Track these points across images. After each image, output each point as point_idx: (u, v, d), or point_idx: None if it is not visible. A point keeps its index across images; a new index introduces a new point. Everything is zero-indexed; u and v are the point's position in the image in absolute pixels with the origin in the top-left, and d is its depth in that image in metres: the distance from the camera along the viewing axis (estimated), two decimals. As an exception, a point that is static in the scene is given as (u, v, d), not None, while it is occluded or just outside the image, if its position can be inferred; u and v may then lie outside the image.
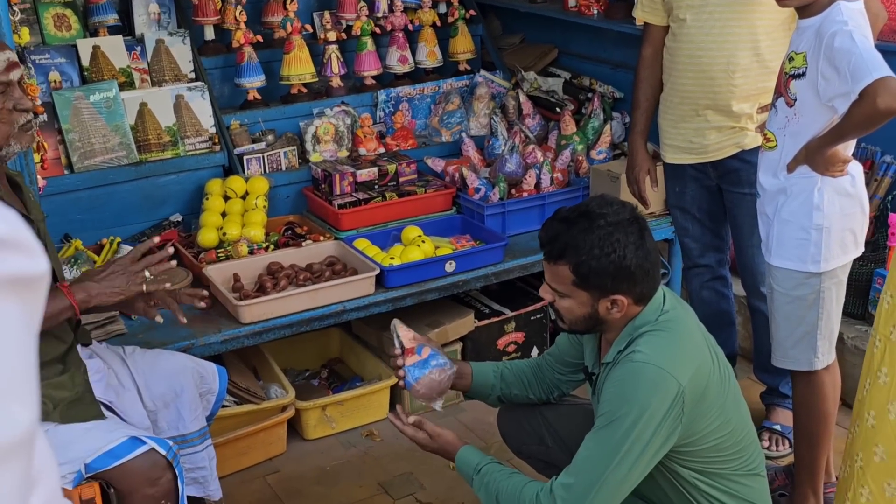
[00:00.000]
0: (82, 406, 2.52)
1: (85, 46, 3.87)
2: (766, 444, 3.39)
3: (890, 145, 3.68)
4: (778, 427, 3.42)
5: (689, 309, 2.41)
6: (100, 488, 2.45)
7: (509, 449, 2.87)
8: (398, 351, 2.63)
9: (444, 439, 2.52)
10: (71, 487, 2.39)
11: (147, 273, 2.50)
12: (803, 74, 2.60)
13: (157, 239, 2.89)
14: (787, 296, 2.79)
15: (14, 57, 2.35)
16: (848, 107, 2.48)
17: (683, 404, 2.17)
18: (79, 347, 2.67)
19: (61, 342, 2.54)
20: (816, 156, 2.62)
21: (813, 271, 2.72)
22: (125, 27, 4.09)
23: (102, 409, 2.58)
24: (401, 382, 2.66)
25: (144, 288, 2.51)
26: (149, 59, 4.01)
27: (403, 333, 2.64)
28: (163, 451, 2.43)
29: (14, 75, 2.32)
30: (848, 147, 2.69)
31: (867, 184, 3.86)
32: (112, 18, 4.00)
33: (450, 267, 3.55)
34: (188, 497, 2.78)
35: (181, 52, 4.05)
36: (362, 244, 3.64)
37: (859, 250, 2.80)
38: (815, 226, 2.68)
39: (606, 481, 2.17)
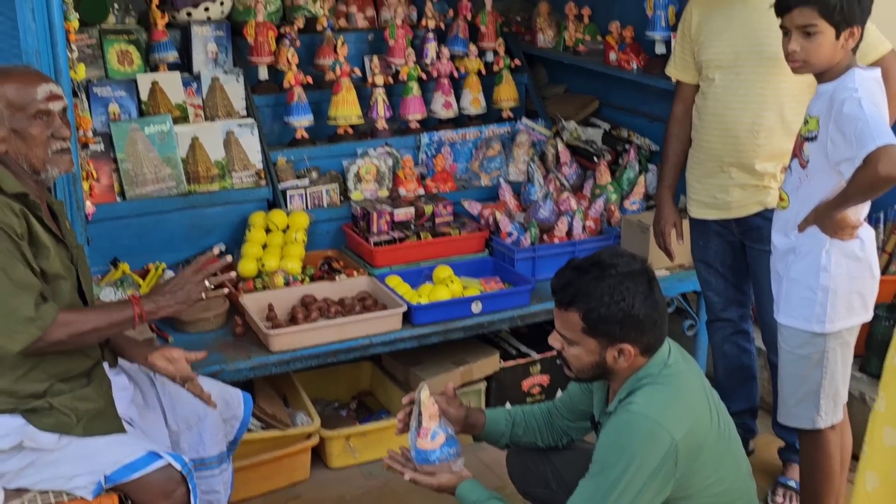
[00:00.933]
0: (104, 420, 2.60)
1: (144, 81, 4.06)
2: (780, 499, 3.42)
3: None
4: (792, 483, 3.42)
5: (693, 364, 2.45)
6: (118, 499, 2.56)
7: (516, 489, 2.94)
8: (414, 423, 2.67)
9: (444, 476, 2.60)
10: (90, 498, 2.51)
11: (207, 283, 2.61)
12: (815, 138, 2.66)
13: (216, 249, 2.99)
14: (793, 354, 2.82)
15: (56, 90, 2.50)
16: (853, 172, 2.54)
17: (677, 459, 2.21)
18: (105, 364, 2.76)
19: (88, 358, 2.64)
20: (825, 219, 2.67)
21: (818, 331, 2.75)
22: (184, 64, 4.27)
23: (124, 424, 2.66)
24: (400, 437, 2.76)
25: (204, 296, 2.62)
26: (203, 96, 4.18)
27: (426, 409, 2.65)
28: (178, 466, 2.53)
29: (54, 106, 2.46)
30: (859, 211, 2.72)
31: (888, 239, 3.90)
32: (172, 56, 4.18)
33: (476, 308, 3.63)
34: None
35: (234, 89, 4.22)
36: (394, 281, 3.74)
37: (868, 314, 2.82)
38: (822, 287, 2.72)
39: None
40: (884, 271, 3.78)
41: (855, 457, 3.24)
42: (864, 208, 2.75)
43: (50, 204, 2.64)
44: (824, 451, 2.89)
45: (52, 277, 2.50)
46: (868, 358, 3.69)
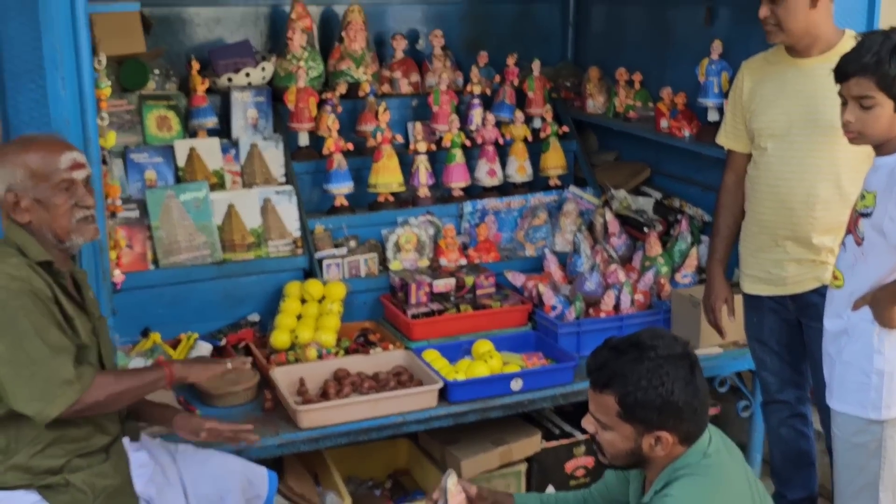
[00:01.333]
0: (121, 498, 2.56)
1: (182, 147, 4.05)
2: None
3: None
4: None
5: (736, 453, 2.32)
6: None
7: None
8: None
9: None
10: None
11: (229, 364, 2.73)
12: (871, 214, 2.53)
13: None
14: (848, 442, 2.66)
15: (80, 158, 2.48)
16: None
17: None
18: (126, 440, 2.70)
19: (106, 434, 2.59)
20: (883, 309, 2.53)
21: (874, 418, 2.59)
22: (223, 130, 4.26)
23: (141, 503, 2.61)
24: None
25: (230, 365, 2.74)
26: (242, 162, 4.16)
27: (452, 497, 2.56)
28: None
29: (77, 175, 2.45)
30: None
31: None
32: (211, 122, 4.17)
33: (516, 385, 3.49)
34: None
35: (274, 156, 4.19)
36: (431, 356, 3.62)
37: None
38: (877, 370, 2.57)
39: None
40: None
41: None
42: None
43: (73, 273, 2.62)
44: None
45: (78, 345, 2.49)
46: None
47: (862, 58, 2.46)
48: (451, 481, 2.51)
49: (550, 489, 3.74)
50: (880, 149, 2.55)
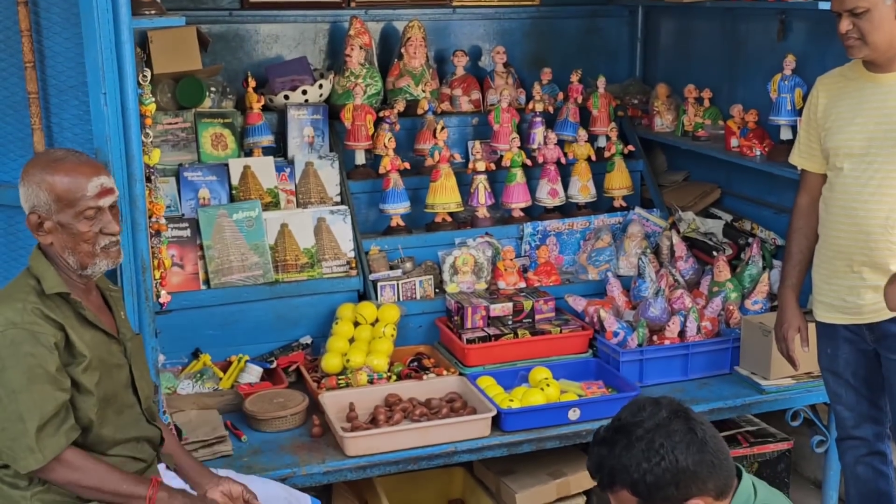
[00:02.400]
0: None
1: (236, 166, 4.06)
2: None
3: None
4: None
5: (782, 498, 2.20)
6: None
7: None
8: None
9: None
10: None
11: None
12: None
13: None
14: None
15: (108, 183, 2.45)
16: None
17: None
18: (161, 466, 2.69)
19: (141, 461, 2.58)
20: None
21: None
22: (278, 148, 4.26)
23: None
24: None
25: None
26: (296, 181, 4.15)
27: None
28: None
29: (104, 202, 2.42)
30: None
31: None
32: (267, 140, 4.18)
33: (573, 414, 3.40)
34: None
35: (329, 175, 4.18)
36: (486, 382, 3.56)
37: None
38: None
39: None
40: None
41: None
42: None
43: (104, 292, 2.60)
44: None
45: (89, 389, 2.44)
46: None
47: None
48: None
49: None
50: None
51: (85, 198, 2.38)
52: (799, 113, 3.72)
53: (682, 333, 3.78)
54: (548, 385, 3.51)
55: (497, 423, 3.34)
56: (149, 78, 2.95)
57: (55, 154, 2.45)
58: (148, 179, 2.95)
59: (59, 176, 2.37)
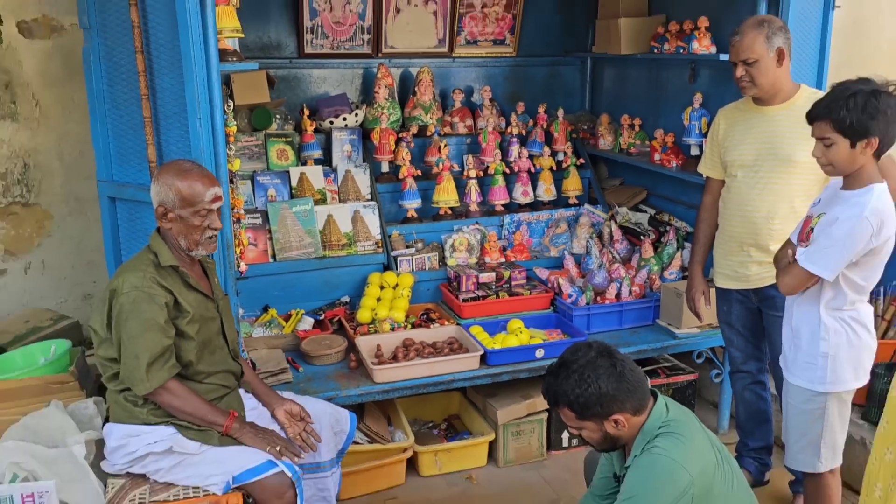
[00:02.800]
0: None
1: (295, 172, 4.05)
2: (791, 525, 3.05)
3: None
4: (801, 512, 3.07)
5: (691, 416, 2.21)
6: (242, 498, 2.45)
7: None
8: None
9: None
10: (220, 493, 2.42)
11: (278, 447, 2.50)
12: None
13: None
14: (797, 408, 2.54)
15: (220, 192, 2.45)
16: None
17: (693, 496, 2.00)
18: (241, 391, 2.69)
19: (226, 388, 2.59)
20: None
21: (819, 391, 2.47)
22: (325, 160, 4.23)
23: None
24: None
25: (269, 452, 2.48)
26: (338, 184, 4.13)
27: None
28: (290, 474, 2.43)
29: (215, 206, 2.43)
30: (866, 281, 2.42)
31: (887, 308, 3.51)
32: (317, 153, 4.15)
33: (539, 353, 3.41)
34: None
35: (362, 179, 4.16)
36: (476, 330, 3.56)
37: (864, 380, 2.50)
38: (822, 353, 2.44)
39: None
40: (883, 336, 3.46)
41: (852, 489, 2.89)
42: (872, 284, 2.44)
43: (204, 265, 2.60)
44: (825, 492, 2.61)
45: (191, 335, 2.45)
46: (869, 408, 3.32)
47: (821, 106, 2.32)
48: None
49: (566, 433, 3.64)
50: (846, 183, 2.37)
51: (203, 202, 2.40)
52: (704, 135, 3.73)
53: (618, 295, 3.77)
54: (521, 332, 3.51)
55: (484, 359, 3.36)
56: (231, 107, 2.93)
57: (184, 165, 2.44)
58: (231, 182, 2.93)
59: (188, 182, 2.39)
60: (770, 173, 2.92)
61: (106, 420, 2.59)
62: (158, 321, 2.34)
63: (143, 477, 2.49)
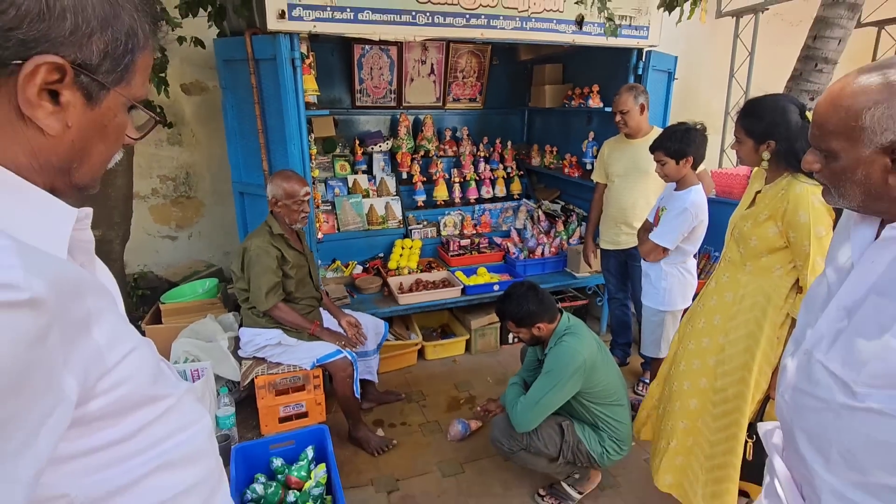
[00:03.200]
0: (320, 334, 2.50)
1: (351, 179, 3.94)
2: (640, 388, 3.07)
3: (717, 246, 3.31)
4: (646, 380, 3.09)
5: (582, 324, 2.16)
6: (322, 371, 2.45)
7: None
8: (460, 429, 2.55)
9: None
10: (309, 369, 2.40)
11: (345, 345, 2.45)
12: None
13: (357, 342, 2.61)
14: (648, 320, 2.54)
15: (308, 190, 2.38)
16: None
17: (585, 369, 1.98)
18: (321, 310, 2.65)
19: (311, 307, 2.55)
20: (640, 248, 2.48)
21: (661, 309, 2.46)
22: (369, 171, 4.12)
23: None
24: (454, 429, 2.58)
25: (340, 347, 2.43)
26: (377, 186, 4.01)
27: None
28: (350, 358, 2.41)
29: (305, 198, 2.36)
30: (691, 246, 2.38)
31: (707, 267, 3.50)
32: (363, 167, 4.03)
33: (496, 287, 3.37)
34: (361, 379, 2.75)
35: (390, 182, 4.05)
36: (459, 274, 3.52)
37: (688, 303, 2.48)
38: (663, 287, 2.43)
39: (544, 399, 1.98)
40: (700, 276, 3.43)
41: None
42: (698, 242, 2.38)
43: (299, 234, 2.53)
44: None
45: (291, 276, 2.39)
46: (688, 320, 3.30)
47: (657, 141, 2.28)
48: (475, 422, 2.50)
49: (510, 335, 3.62)
50: (678, 185, 2.34)
51: (298, 195, 2.33)
52: (594, 157, 3.65)
53: (542, 253, 3.73)
54: (485, 275, 3.48)
55: (464, 291, 3.31)
56: (312, 138, 2.84)
57: (287, 173, 2.38)
58: (313, 183, 2.85)
59: (289, 184, 2.32)
60: (634, 180, 2.88)
61: (240, 325, 2.57)
62: (272, 266, 2.31)
63: (263, 359, 2.48)
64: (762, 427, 1.15)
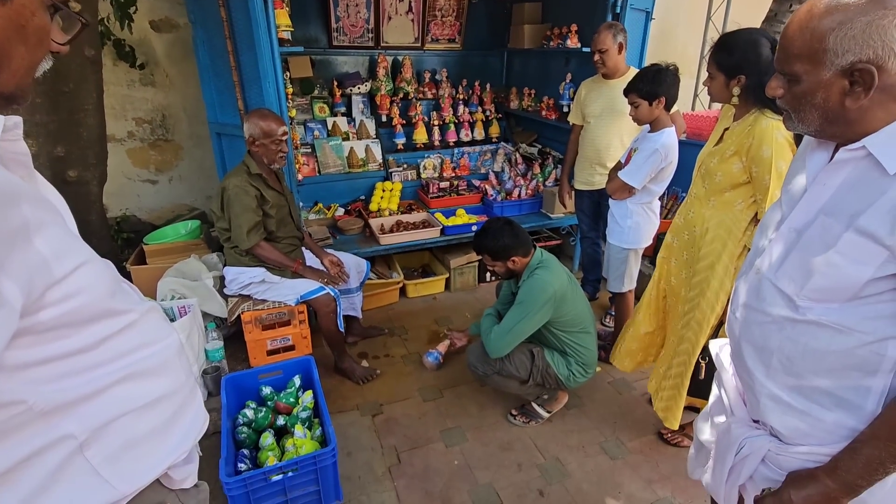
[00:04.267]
0: (302, 272, 2.48)
1: (329, 121, 3.79)
2: (607, 319, 3.17)
3: (685, 187, 3.33)
4: (612, 312, 3.18)
5: (555, 259, 2.19)
6: (306, 307, 2.45)
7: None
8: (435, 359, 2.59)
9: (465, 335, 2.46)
10: (293, 304, 2.40)
11: (325, 282, 2.45)
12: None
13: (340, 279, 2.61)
14: (614, 257, 2.56)
15: (286, 129, 2.29)
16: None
17: (555, 299, 2.02)
18: (303, 249, 2.62)
19: (293, 246, 2.52)
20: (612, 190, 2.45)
21: (625, 247, 2.49)
22: (348, 113, 3.96)
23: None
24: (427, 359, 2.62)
25: (322, 283, 2.42)
26: (356, 128, 3.89)
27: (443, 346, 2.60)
28: (333, 294, 2.41)
29: (283, 137, 2.28)
30: (658, 187, 2.38)
31: (674, 207, 3.54)
32: (342, 110, 3.87)
33: (474, 228, 3.36)
34: (346, 315, 2.77)
35: (370, 125, 3.92)
36: (439, 215, 3.49)
37: (650, 241, 2.51)
38: (628, 226, 2.44)
39: (516, 327, 2.03)
40: (665, 216, 3.47)
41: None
42: (666, 182, 2.38)
43: (278, 175, 2.46)
44: (626, 300, 2.66)
45: (272, 215, 2.35)
46: (653, 257, 3.35)
47: (630, 83, 2.22)
48: (443, 344, 2.49)
49: (487, 274, 3.67)
50: (651, 126, 2.29)
51: (275, 133, 2.24)
52: (571, 100, 3.55)
53: (519, 195, 3.70)
54: (463, 216, 3.46)
55: (443, 231, 3.29)
56: (289, 78, 2.70)
57: (263, 111, 2.28)
58: (291, 123, 2.74)
59: (266, 122, 2.23)
60: (609, 121, 2.83)
61: (224, 265, 2.54)
62: (251, 205, 2.25)
63: (248, 297, 2.47)
64: (714, 344, 1.20)
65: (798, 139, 1.53)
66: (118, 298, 0.63)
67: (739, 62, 1.61)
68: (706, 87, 1.71)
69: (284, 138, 2.29)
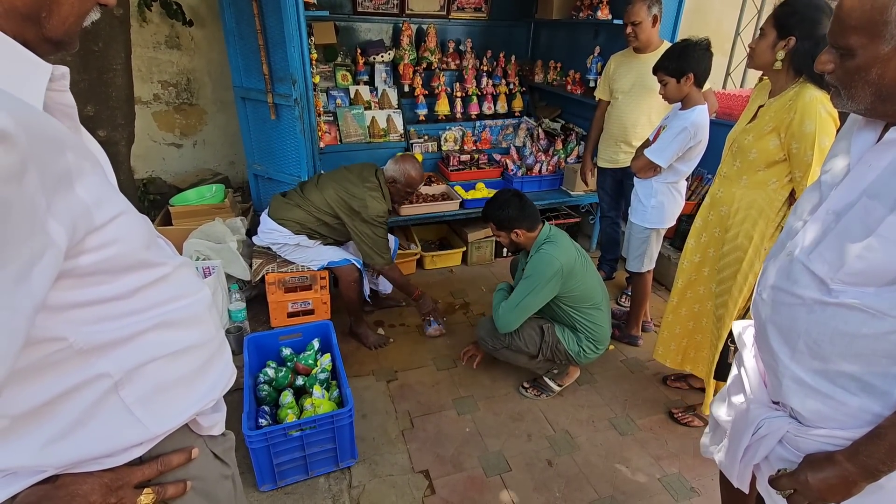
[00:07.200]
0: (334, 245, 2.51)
1: (352, 89, 3.75)
2: (623, 300, 3.15)
3: (712, 169, 3.24)
4: (629, 293, 3.15)
5: (565, 234, 2.16)
6: (328, 273, 2.49)
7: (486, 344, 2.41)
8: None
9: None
10: (317, 270, 2.43)
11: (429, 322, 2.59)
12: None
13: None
14: (635, 237, 2.52)
15: (422, 185, 2.42)
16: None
17: (562, 274, 2.02)
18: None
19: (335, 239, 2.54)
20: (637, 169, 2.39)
21: (647, 227, 2.45)
22: (370, 82, 3.91)
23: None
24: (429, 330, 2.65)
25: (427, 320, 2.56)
26: (378, 97, 3.84)
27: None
28: (358, 265, 2.43)
29: (418, 190, 2.43)
30: (686, 167, 2.31)
31: (698, 189, 3.45)
32: (365, 78, 3.82)
33: (493, 202, 3.34)
34: (371, 288, 2.81)
35: (392, 95, 3.87)
36: (458, 188, 3.47)
37: (673, 222, 2.46)
38: (651, 206, 2.39)
39: (523, 302, 2.04)
40: (689, 198, 3.39)
41: (663, 284, 2.95)
42: (695, 162, 2.31)
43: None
44: (644, 281, 2.64)
45: None
46: (674, 239, 3.33)
47: (658, 62, 2.15)
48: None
49: (504, 249, 3.65)
50: (683, 104, 2.21)
51: (415, 187, 2.50)
52: (600, 73, 3.45)
53: (539, 171, 3.65)
54: (483, 190, 3.43)
55: (462, 205, 3.28)
56: (313, 43, 2.66)
57: (416, 162, 2.45)
58: (314, 89, 2.71)
59: (416, 173, 2.48)
60: (638, 97, 2.75)
61: (266, 214, 2.51)
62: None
63: (273, 257, 2.51)
64: (737, 325, 1.19)
65: (843, 116, 1.46)
66: (153, 251, 0.64)
67: (797, 21, 1.52)
68: (750, 50, 1.62)
69: (420, 190, 2.35)
